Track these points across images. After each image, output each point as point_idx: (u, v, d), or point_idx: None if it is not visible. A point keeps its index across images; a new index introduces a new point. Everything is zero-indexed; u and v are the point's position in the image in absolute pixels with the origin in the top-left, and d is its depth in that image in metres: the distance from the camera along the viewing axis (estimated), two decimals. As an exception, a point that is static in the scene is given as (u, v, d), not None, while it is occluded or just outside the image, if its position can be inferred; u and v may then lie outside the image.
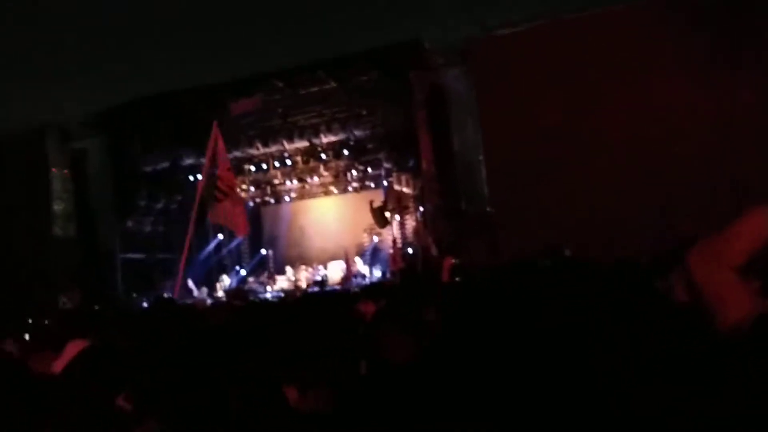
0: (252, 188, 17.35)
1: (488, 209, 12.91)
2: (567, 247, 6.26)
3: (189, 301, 13.37)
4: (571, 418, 0.84)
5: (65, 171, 15.88)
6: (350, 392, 1.54)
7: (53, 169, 15.60)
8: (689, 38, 11.21)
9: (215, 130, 8.12)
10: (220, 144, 8.24)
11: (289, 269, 16.35)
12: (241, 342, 1.90)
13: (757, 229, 1.28)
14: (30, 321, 10.02)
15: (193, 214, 7.92)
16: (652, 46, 11.42)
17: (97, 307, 13.68)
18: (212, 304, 11.81)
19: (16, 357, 3.86)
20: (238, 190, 16.48)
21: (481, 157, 12.98)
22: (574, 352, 0.83)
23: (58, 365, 2.32)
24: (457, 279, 4.39)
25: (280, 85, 14.52)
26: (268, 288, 15.86)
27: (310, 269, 16.31)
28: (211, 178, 7.89)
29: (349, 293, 8.72)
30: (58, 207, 15.61)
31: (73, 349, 2.32)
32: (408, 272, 12.86)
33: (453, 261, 4.69)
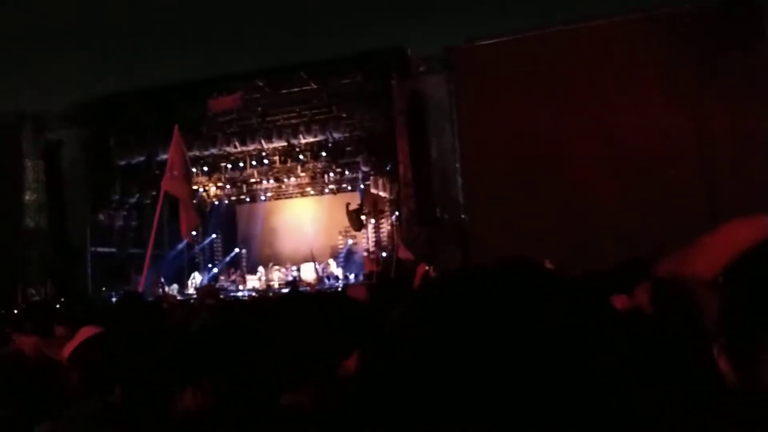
0: (228, 186, 17.26)
1: (462, 217, 13.02)
2: (547, 258, 6.28)
3: (157, 297, 13.24)
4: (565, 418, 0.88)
5: (39, 161, 15.66)
6: (342, 391, 1.57)
7: (26, 160, 15.38)
8: (669, 56, 11.40)
9: (176, 134, 8.14)
10: (180, 148, 8.26)
11: (261, 269, 16.29)
12: (223, 341, 1.92)
13: (725, 244, 1.30)
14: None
15: (157, 211, 7.94)
16: (633, 62, 11.61)
17: (63, 300, 13.54)
18: (182, 301, 11.72)
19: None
20: (202, 192, 16.45)
21: (457, 165, 13.08)
22: (545, 364, 0.87)
23: (67, 350, 2.34)
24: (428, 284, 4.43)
25: (261, 84, 14.49)
26: (240, 287, 15.78)
27: (282, 269, 16.26)
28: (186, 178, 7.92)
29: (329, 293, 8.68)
30: (29, 197, 15.38)
31: (83, 334, 2.35)
32: (382, 275, 12.89)
33: (426, 267, 4.71)
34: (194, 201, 8.08)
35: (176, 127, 8.34)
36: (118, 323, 3.16)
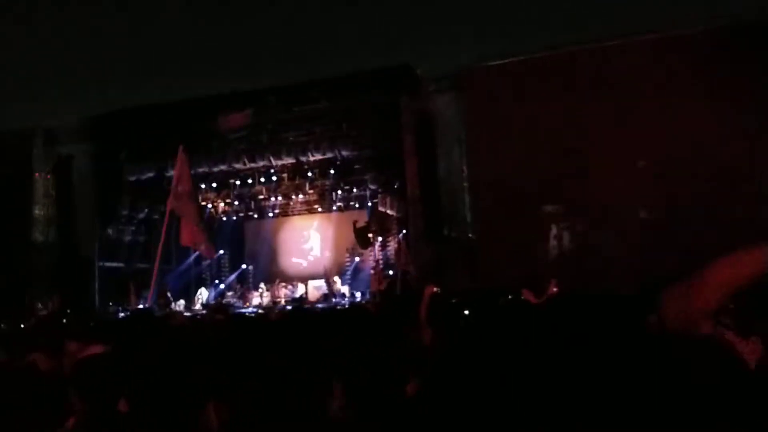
0: (236, 202, 17.31)
1: (470, 235, 12.99)
2: (553, 280, 6.22)
3: (165, 312, 13.25)
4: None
5: (48, 175, 15.76)
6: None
7: (36, 174, 15.47)
8: (682, 77, 11.30)
9: (181, 153, 8.20)
10: (185, 167, 8.31)
11: (268, 285, 16.29)
12: (239, 356, 1.92)
13: (725, 278, 1.31)
14: (4, 326, 9.89)
15: (164, 226, 7.99)
16: (645, 82, 11.52)
17: (70, 315, 13.55)
18: (192, 317, 11.72)
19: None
20: (211, 208, 16.49)
21: (466, 184, 13.08)
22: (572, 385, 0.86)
23: (70, 366, 2.36)
24: (436, 308, 4.41)
25: (272, 101, 14.57)
26: (247, 303, 15.77)
27: (289, 286, 16.25)
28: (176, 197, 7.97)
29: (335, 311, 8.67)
30: (39, 212, 15.46)
31: (90, 350, 2.37)
32: (388, 294, 12.86)
33: (435, 289, 4.68)
34: (201, 218, 8.12)
35: (181, 146, 8.40)
36: (128, 340, 3.17)
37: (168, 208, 8.40)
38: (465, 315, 3.24)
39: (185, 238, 9.06)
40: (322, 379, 1.74)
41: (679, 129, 11.25)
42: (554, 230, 11.61)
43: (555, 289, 6.59)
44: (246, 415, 1.66)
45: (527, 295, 5.09)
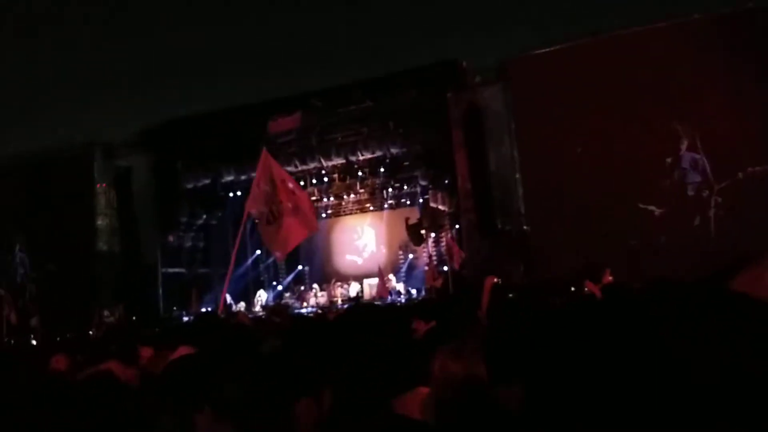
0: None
1: (525, 227, 12.85)
2: (608, 269, 6.14)
3: (230, 315, 13.55)
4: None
5: (110, 187, 16.31)
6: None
7: (98, 186, 16.02)
8: (732, 59, 10.94)
9: (264, 155, 8.17)
10: (276, 167, 8.23)
11: (324, 285, 16.48)
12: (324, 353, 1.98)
13: None
14: (74, 335, 10.30)
15: (240, 231, 8.05)
16: (693, 66, 11.19)
17: (136, 321, 14.01)
18: (253, 320, 11.95)
19: (65, 373, 4.02)
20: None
21: (518, 175, 12.95)
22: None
23: (161, 366, 2.46)
24: (499, 299, 4.39)
25: (319, 104, 14.72)
26: (304, 303, 15.98)
27: (345, 285, 16.40)
28: (268, 199, 7.89)
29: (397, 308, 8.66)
30: (102, 222, 16.01)
31: (179, 352, 2.47)
32: (446, 291, 12.85)
33: (495, 280, 4.66)
34: (272, 219, 7.99)
35: (264, 150, 8.38)
36: (202, 343, 3.27)
37: (246, 211, 8.31)
38: (528, 310, 3.22)
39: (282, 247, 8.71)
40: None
41: (739, 114, 10.89)
42: (610, 219, 11.39)
43: (610, 278, 6.53)
44: (342, 410, 1.72)
45: (590, 287, 5.04)
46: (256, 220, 8.62)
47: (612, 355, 0.79)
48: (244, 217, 8.02)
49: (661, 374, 0.74)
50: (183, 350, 2.47)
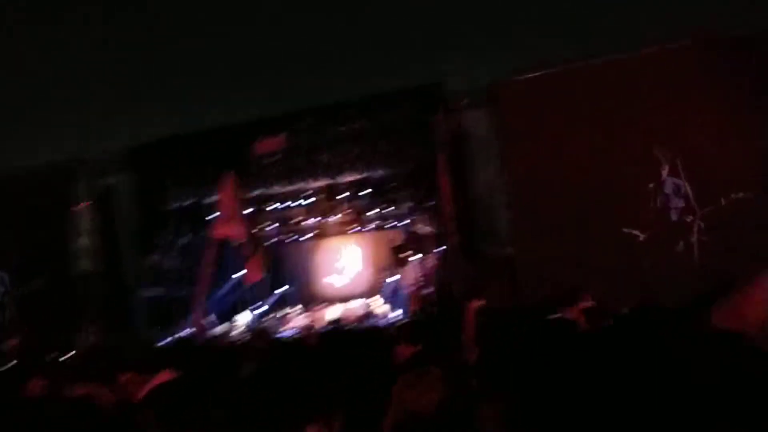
0: (274, 225, 17.47)
1: (508, 251, 12.86)
2: (586, 295, 6.10)
3: (208, 337, 13.40)
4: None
5: (90, 206, 16.12)
6: None
7: (79, 204, 15.83)
8: (725, 86, 11.03)
9: (227, 179, 8.16)
10: (229, 193, 8.27)
11: (306, 307, 16.37)
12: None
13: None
14: (52, 357, 10.09)
15: (209, 252, 8.01)
16: (685, 91, 11.26)
17: (115, 344, 13.78)
18: (233, 344, 11.82)
19: (43, 396, 3.92)
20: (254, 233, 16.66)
21: (502, 199, 12.98)
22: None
23: (142, 391, 2.41)
24: (482, 323, 4.36)
25: (307, 123, 14.72)
26: (286, 326, 15.85)
27: (329, 307, 16.31)
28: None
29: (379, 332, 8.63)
30: (83, 242, 15.79)
31: (158, 378, 2.42)
32: (429, 313, 12.81)
33: (479, 303, 4.63)
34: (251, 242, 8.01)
35: (231, 173, 8.39)
36: (183, 367, 3.20)
37: (215, 235, 8.32)
38: (517, 334, 3.19)
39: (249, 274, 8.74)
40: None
41: (731, 140, 10.97)
42: (596, 241, 11.42)
43: (588, 304, 6.46)
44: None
45: (574, 313, 5.01)
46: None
47: (601, 378, 0.79)
48: (215, 239, 7.99)
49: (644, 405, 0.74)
50: (164, 375, 2.41)
